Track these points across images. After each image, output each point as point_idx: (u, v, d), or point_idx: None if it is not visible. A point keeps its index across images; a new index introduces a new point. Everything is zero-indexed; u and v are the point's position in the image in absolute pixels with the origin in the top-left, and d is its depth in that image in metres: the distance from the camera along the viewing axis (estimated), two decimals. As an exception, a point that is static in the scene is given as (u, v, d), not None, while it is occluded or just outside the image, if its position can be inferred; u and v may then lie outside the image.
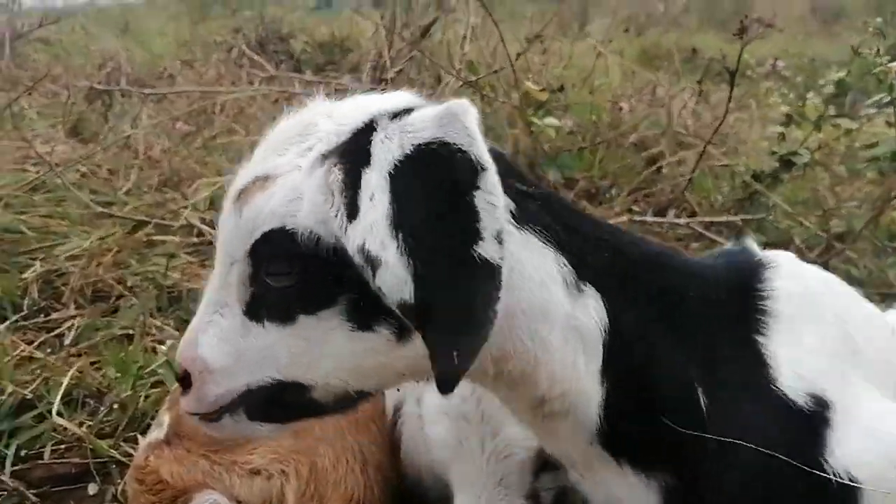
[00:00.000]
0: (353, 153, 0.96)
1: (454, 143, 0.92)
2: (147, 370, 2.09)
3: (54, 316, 2.58)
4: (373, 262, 0.89)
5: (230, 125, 4.70)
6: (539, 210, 1.07)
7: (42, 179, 3.33)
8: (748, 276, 1.23)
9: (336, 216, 0.93)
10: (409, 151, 0.92)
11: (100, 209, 3.03)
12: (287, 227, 0.97)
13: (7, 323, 2.38)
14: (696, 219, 3.01)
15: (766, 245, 3.01)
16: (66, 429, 1.79)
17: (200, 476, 1.53)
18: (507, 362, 1.05)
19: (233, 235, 1.02)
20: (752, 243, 1.32)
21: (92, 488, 1.72)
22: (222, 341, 1.03)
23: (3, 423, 1.83)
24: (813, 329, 1.19)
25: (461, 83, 3.16)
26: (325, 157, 0.98)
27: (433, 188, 0.92)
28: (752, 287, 1.21)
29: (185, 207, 3.12)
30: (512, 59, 3.16)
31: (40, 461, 1.76)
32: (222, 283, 1.04)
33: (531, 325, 1.03)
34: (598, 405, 1.09)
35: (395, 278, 0.88)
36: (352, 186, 0.92)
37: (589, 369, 1.08)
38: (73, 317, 2.58)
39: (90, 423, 1.86)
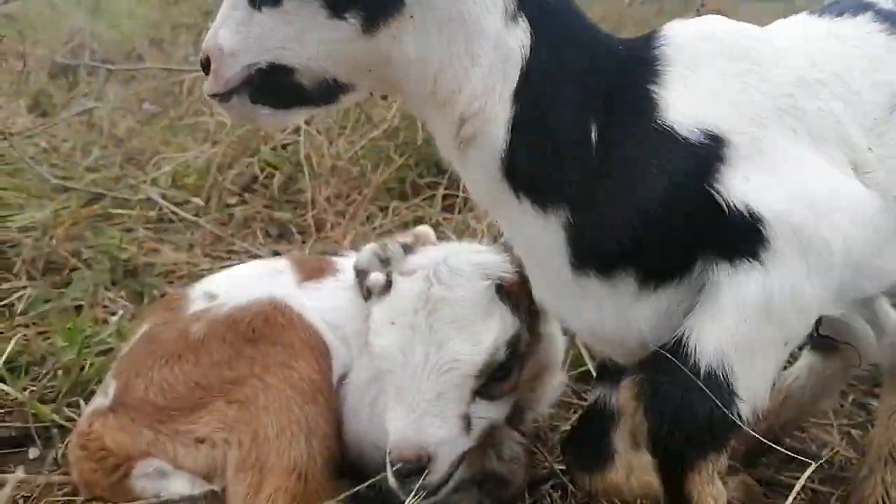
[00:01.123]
0: None
1: None
2: (96, 339, 2.06)
3: (4, 286, 2.53)
4: None
5: (197, 106, 4.64)
6: None
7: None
8: (652, 36, 1.34)
9: None
10: None
11: (55, 181, 2.97)
12: None
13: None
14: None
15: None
16: (8, 394, 1.76)
17: (144, 446, 1.52)
18: (444, 75, 1.22)
19: None
20: None
21: (33, 452, 1.69)
22: (233, 31, 1.24)
23: (-60, 388, 1.80)
24: (716, 74, 1.27)
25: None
26: None
27: None
28: (653, 40, 1.32)
29: (145, 182, 3.08)
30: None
31: (-21, 425, 1.73)
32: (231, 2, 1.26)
33: (468, 35, 1.20)
34: (505, 129, 1.23)
35: None
36: None
37: (504, 92, 1.22)
38: (24, 287, 2.53)
39: (33, 388, 1.83)
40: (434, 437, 1.37)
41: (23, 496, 1.49)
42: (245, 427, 1.49)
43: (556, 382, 1.75)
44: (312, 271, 1.78)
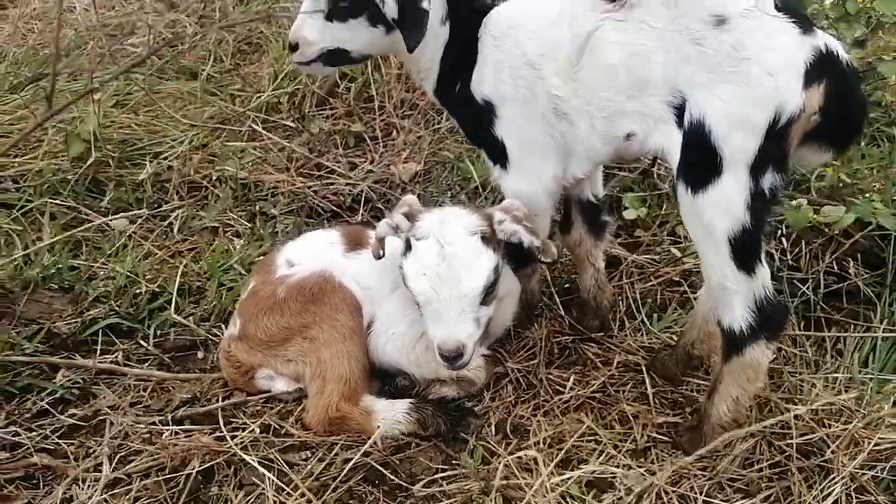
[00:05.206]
0: None
1: None
2: (226, 267, 3.12)
3: (164, 208, 3.62)
4: (384, 2, 2.23)
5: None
6: None
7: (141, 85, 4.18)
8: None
9: None
10: None
11: (186, 122, 3.92)
12: None
13: (139, 221, 3.44)
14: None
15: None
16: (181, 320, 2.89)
17: (259, 361, 2.59)
18: (424, 48, 2.35)
19: None
20: None
21: (200, 354, 2.83)
22: (315, 29, 2.34)
23: (144, 311, 2.95)
24: (495, 58, 2.31)
25: None
26: None
27: None
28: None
29: (248, 116, 3.97)
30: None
31: (167, 337, 2.89)
32: (313, 4, 2.33)
33: (430, 30, 2.29)
34: (436, 73, 2.45)
35: (390, 9, 2.23)
36: None
37: (436, 56, 2.41)
38: (178, 207, 3.61)
39: (194, 311, 2.95)
40: (464, 335, 2.28)
41: (199, 391, 2.64)
42: (313, 354, 2.51)
43: (511, 307, 2.67)
44: (355, 243, 2.67)
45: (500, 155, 2.40)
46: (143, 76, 4.14)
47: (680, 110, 2.03)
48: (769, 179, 1.99)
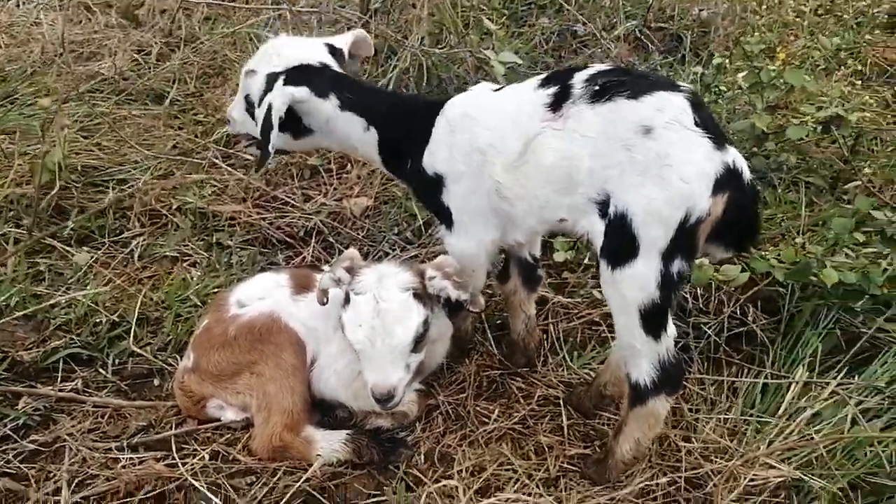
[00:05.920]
0: (272, 82, 2.58)
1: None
2: (182, 298, 3.34)
3: (126, 234, 3.82)
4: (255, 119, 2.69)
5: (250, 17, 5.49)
6: (354, 101, 2.67)
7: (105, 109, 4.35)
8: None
9: (258, 102, 2.63)
10: (275, 99, 2.55)
11: (148, 153, 4.11)
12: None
13: (100, 251, 3.64)
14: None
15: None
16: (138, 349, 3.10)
17: (210, 392, 2.83)
18: (345, 149, 2.88)
19: (242, 90, 2.77)
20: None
21: (156, 382, 3.05)
22: (239, 113, 2.85)
23: (104, 340, 3.16)
24: (444, 139, 2.57)
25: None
26: (269, 75, 2.63)
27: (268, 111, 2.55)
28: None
29: (208, 149, 4.18)
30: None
31: (125, 365, 3.10)
32: (239, 101, 2.81)
33: (351, 140, 2.74)
34: (379, 161, 2.78)
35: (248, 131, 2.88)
36: (263, 96, 2.58)
37: (371, 152, 2.75)
38: (139, 234, 3.81)
39: (151, 341, 3.17)
40: (394, 380, 2.55)
41: (154, 418, 2.86)
42: (259, 388, 2.75)
43: (443, 348, 2.95)
44: (302, 286, 2.92)
45: (445, 218, 2.67)
46: (106, 105, 4.30)
47: (603, 205, 2.33)
48: (677, 265, 2.28)
